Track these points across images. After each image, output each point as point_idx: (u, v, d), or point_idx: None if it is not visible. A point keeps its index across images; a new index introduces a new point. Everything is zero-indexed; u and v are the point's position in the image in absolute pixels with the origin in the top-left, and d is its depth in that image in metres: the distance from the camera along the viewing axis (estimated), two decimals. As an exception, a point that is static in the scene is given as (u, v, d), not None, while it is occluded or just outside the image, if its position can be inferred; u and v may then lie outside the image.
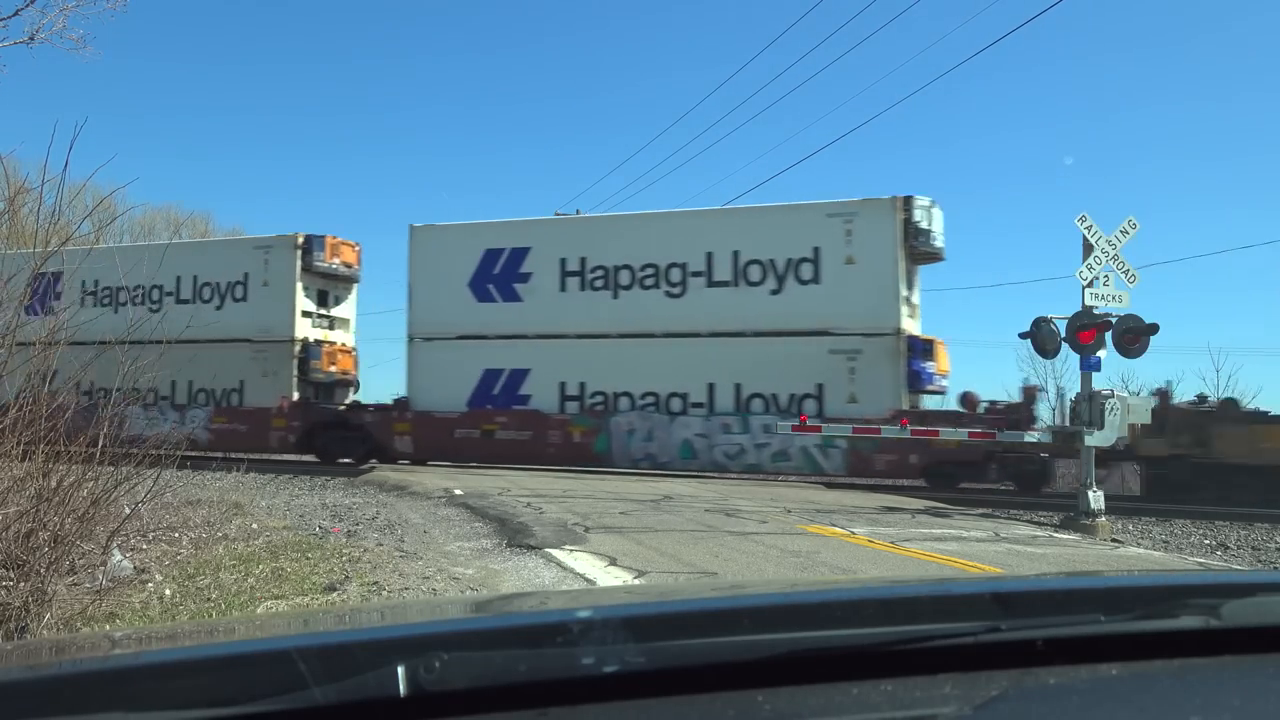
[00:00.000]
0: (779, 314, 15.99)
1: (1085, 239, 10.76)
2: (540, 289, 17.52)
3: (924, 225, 15.60)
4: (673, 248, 16.90)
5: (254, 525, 8.84)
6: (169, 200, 50.01)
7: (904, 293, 15.50)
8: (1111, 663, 1.04)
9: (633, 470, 16.93)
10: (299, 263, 19.43)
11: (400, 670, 0.88)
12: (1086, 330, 10.59)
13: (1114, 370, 33.70)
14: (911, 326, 15.86)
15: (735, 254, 16.33)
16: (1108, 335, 10.65)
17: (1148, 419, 11.47)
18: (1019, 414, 14.97)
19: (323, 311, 20.29)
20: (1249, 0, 57.44)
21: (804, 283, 15.90)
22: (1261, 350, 66.77)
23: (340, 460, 18.50)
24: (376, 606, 4.95)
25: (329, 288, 20.42)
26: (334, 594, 5.65)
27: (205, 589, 5.73)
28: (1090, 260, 10.70)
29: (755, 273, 16.26)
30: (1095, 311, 10.62)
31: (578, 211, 30.78)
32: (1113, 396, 10.71)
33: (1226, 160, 62.35)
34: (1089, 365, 10.74)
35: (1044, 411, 16.12)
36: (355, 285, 21.16)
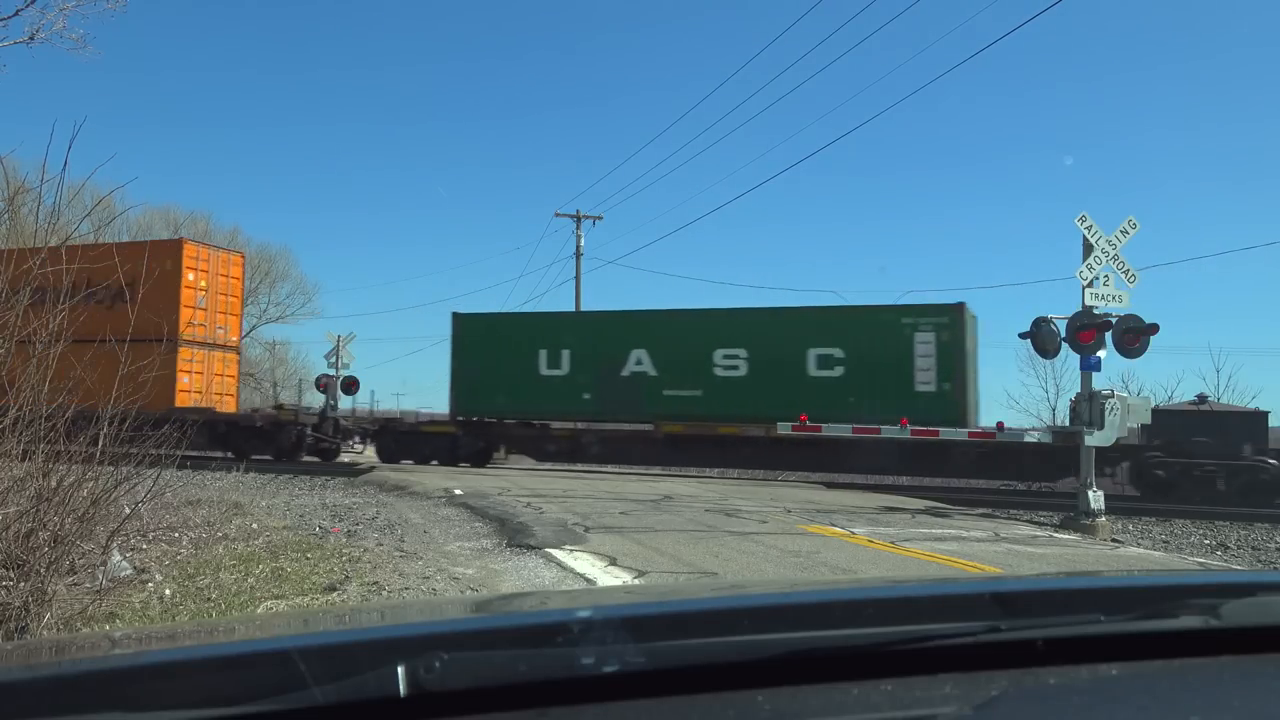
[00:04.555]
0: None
1: (1085, 239, 10.76)
2: None
3: None
4: None
5: (254, 525, 8.83)
6: (168, 201, 49.97)
7: None
8: (1111, 663, 1.04)
9: (633, 470, 17.02)
10: None
11: (400, 670, 0.88)
12: (1086, 330, 10.58)
13: (1114, 370, 33.68)
14: None
15: None
16: (1108, 335, 10.64)
17: (1148, 419, 11.46)
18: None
19: None
20: (1250, 3, 57.47)
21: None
22: (1261, 350, 66.86)
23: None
24: (376, 606, 4.95)
25: None
26: (334, 594, 5.65)
27: (205, 589, 5.72)
28: (1090, 260, 10.69)
29: None
30: (1095, 311, 10.62)
31: (577, 212, 30.80)
32: (1112, 396, 10.71)
33: (1227, 161, 62.39)
34: (1089, 365, 10.73)
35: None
36: None
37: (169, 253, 18.90)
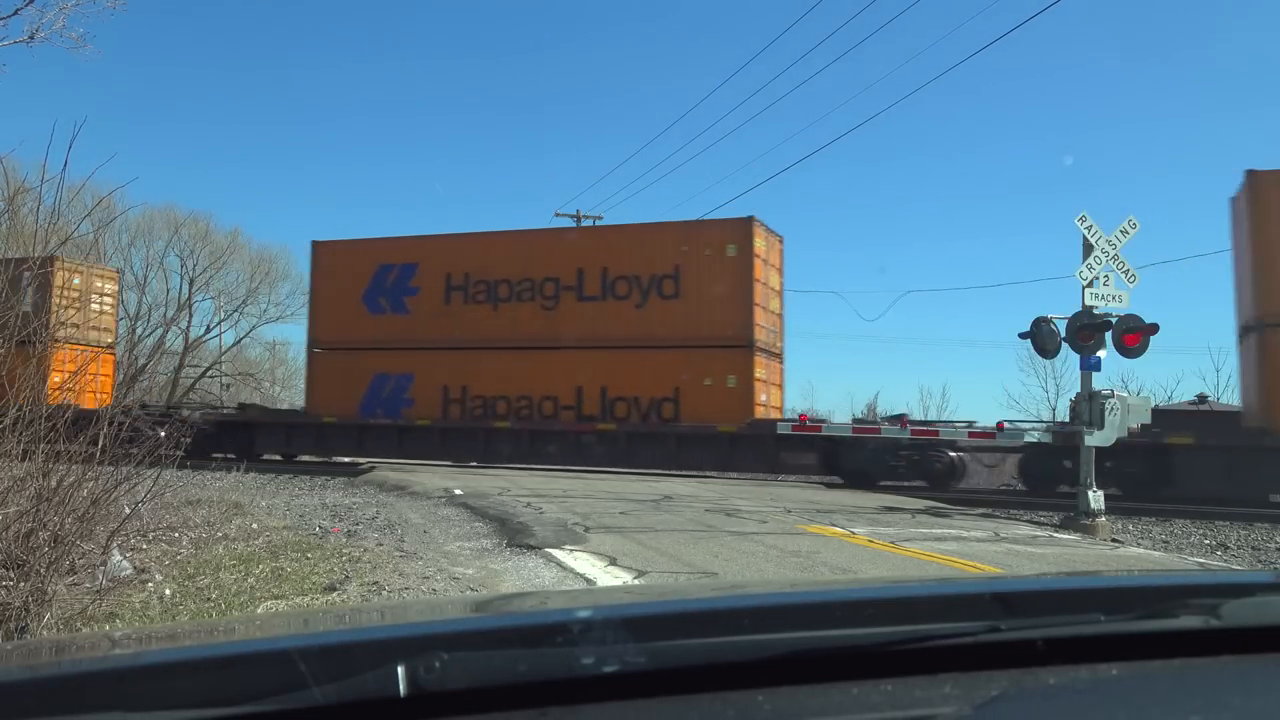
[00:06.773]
0: None
1: (1085, 239, 10.76)
2: None
3: None
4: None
5: (254, 525, 8.83)
6: (168, 201, 49.89)
7: None
8: (1111, 663, 1.04)
9: (633, 470, 17.05)
10: None
11: (400, 670, 0.88)
12: (1086, 330, 10.59)
13: (1113, 370, 33.74)
14: None
15: None
16: (1108, 335, 10.65)
17: (1148, 419, 11.47)
18: None
19: None
20: (1249, 3, 57.54)
21: None
22: (1261, 350, 66.68)
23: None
24: (376, 606, 4.95)
25: None
26: (334, 594, 5.65)
27: (205, 589, 5.72)
28: (1090, 260, 10.69)
29: None
30: (1095, 311, 10.62)
31: (577, 211, 30.86)
32: (1112, 396, 10.71)
33: (1227, 161, 62.46)
34: (1089, 365, 10.73)
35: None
36: None
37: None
